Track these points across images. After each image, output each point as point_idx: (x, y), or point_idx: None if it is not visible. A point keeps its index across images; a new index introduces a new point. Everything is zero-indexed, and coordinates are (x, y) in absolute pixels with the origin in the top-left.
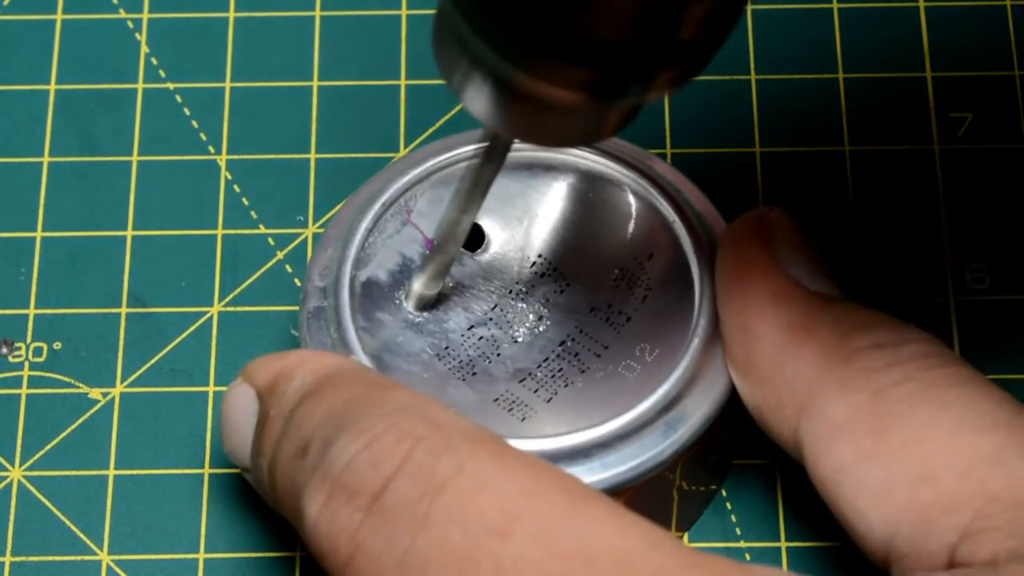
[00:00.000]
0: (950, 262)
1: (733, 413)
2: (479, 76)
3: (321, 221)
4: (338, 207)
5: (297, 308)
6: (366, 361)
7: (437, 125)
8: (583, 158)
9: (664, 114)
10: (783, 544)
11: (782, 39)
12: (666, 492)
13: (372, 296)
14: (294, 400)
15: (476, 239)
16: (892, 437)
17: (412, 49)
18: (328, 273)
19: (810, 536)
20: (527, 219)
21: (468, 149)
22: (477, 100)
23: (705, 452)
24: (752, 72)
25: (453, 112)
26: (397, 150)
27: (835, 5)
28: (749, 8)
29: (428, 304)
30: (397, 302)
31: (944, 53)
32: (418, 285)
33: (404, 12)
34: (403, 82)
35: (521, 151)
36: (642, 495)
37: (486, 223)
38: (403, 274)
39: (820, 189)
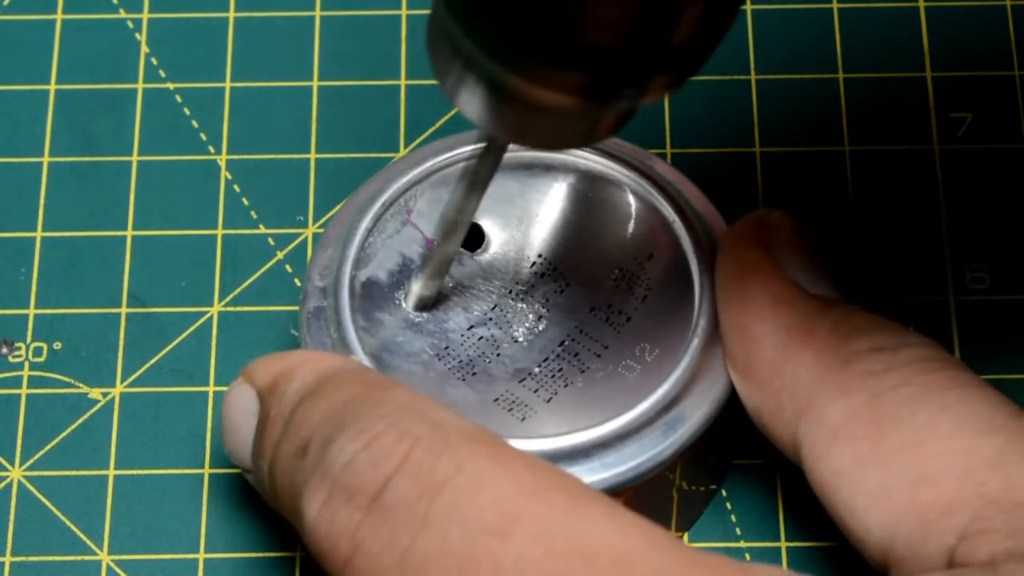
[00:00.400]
0: (950, 262)
1: (733, 413)
2: (472, 79)
3: (321, 221)
4: (338, 207)
5: (297, 308)
6: (366, 361)
7: (437, 125)
8: (583, 158)
9: (664, 114)
10: (783, 544)
11: (782, 39)
12: (666, 492)
13: (372, 296)
14: (294, 400)
15: (476, 239)
16: (890, 440)
17: (412, 49)
18: (328, 273)
19: (810, 536)
20: (527, 219)
21: (468, 149)
22: (471, 103)
23: (705, 452)
24: (752, 72)
25: (453, 112)
26: (397, 150)
27: (835, 5)
28: (749, 8)
29: (428, 304)
30: (397, 302)
31: (944, 53)
32: (418, 285)
33: (404, 12)
34: (403, 82)
35: (520, 151)
36: (642, 495)
37: (486, 223)
38: (403, 274)
39: (820, 189)
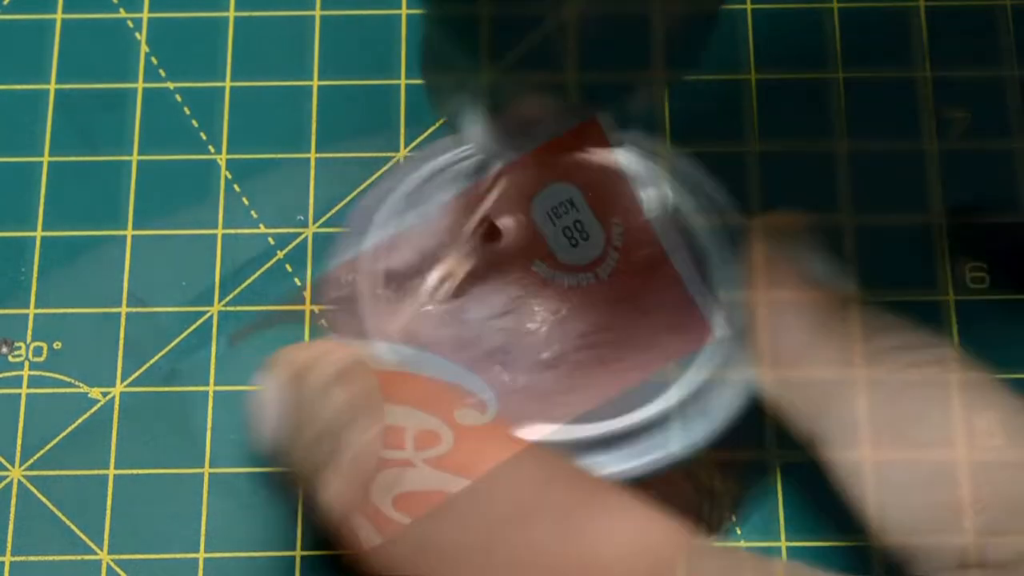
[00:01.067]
0: (950, 262)
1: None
2: (469, 101)
3: (321, 221)
4: (338, 206)
5: (298, 308)
6: (387, 352)
7: (437, 125)
8: (591, 153)
9: (664, 114)
10: (783, 544)
11: (782, 39)
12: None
13: (394, 287)
14: (315, 390)
15: (492, 233)
16: (910, 439)
17: (412, 49)
18: (351, 264)
19: (810, 536)
20: (541, 214)
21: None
22: (468, 128)
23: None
24: (752, 72)
25: None
26: (397, 150)
27: (835, 5)
28: (749, 8)
29: (448, 296)
30: (418, 294)
31: (944, 53)
32: (438, 276)
33: (404, 12)
34: (403, 82)
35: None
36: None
37: (501, 218)
38: (424, 266)
39: (820, 188)
